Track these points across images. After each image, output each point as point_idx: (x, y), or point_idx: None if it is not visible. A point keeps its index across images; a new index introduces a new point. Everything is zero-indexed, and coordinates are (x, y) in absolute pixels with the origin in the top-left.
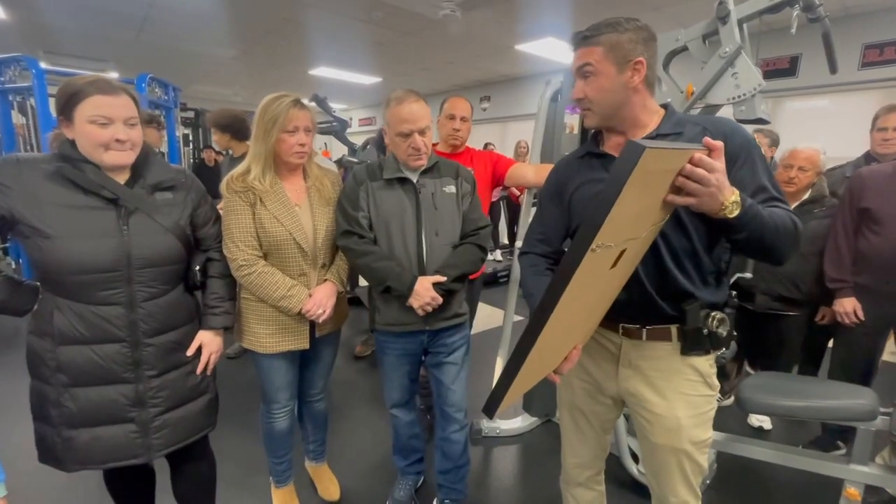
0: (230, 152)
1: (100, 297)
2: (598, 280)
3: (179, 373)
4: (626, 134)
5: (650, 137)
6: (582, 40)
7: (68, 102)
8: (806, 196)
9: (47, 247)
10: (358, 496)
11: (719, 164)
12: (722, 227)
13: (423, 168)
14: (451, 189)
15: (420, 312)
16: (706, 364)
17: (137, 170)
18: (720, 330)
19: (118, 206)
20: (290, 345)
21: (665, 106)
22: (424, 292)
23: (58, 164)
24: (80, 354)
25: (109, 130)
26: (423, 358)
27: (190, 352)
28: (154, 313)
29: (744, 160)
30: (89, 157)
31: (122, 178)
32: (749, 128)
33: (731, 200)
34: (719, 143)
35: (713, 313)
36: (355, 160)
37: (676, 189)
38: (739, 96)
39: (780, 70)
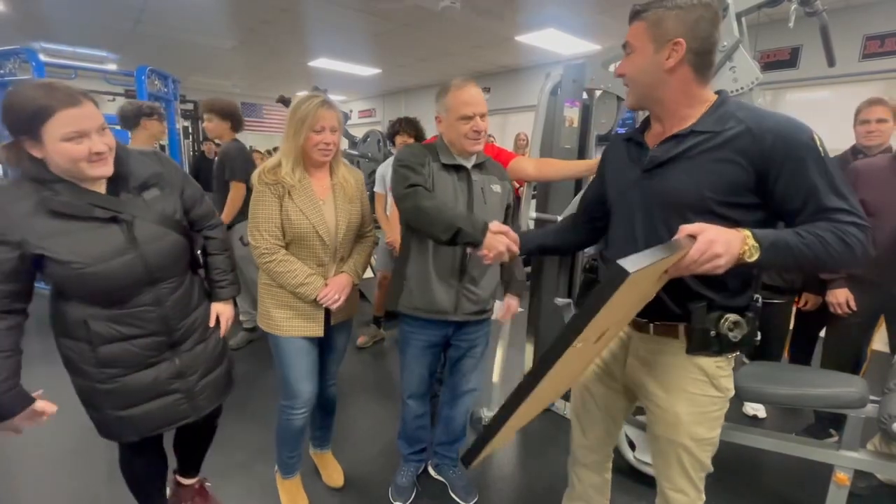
0: (217, 142)
1: (131, 303)
2: (582, 353)
3: (206, 344)
4: (663, 123)
5: (682, 134)
6: (632, 15)
7: (33, 119)
8: None
9: (74, 275)
10: (361, 483)
11: (711, 247)
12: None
13: (477, 155)
14: (497, 188)
15: (489, 261)
16: (713, 365)
17: (116, 173)
18: (733, 333)
19: (118, 220)
20: (305, 330)
21: (719, 93)
22: (498, 242)
23: (37, 195)
24: (121, 349)
25: (85, 144)
26: (444, 351)
27: (211, 323)
28: (178, 304)
29: (777, 174)
30: (67, 173)
31: (100, 187)
32: None
33: (746, 248)
34: (694, 228)
35: (727, 315)
36: (356, 153)
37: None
38: (737, 90)
39: (781, 62)
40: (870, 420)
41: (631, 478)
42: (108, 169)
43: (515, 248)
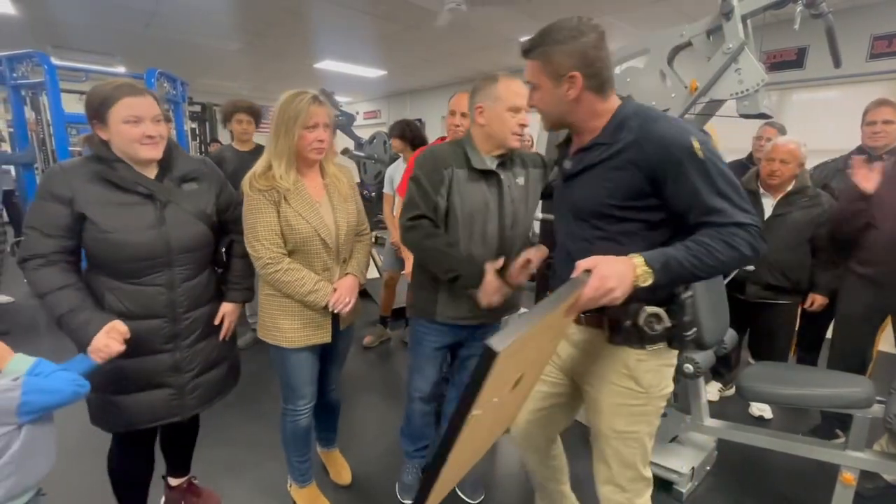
0: (232, 145)
1: (145, 280)
2: (503, 402)
3: (208, 342)
4: (580, 137)
5: (586, 148)
6: (523, 53)
7: (101, 106)
8: (790, 188)
9: (102, 239)
10: (368, 480)
11: (604, 283)
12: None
13: (507, 154)
14: (521, 181)
15: (484, 305)
16: (633, 358)
17: (165, 163)
18: (652, 326)
19: (154, 200)
20: (314, 338)
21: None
22: (491, 289)
23: (96, 167)
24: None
25: (140, 128)
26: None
27: (217, 321)
28: (189, 293)
29: (663, 179)
30: (125, 153)
31: (151, 173)
32: (757, 120)
33: (638, 274)
34: (588, 262)
35: (646, 308)
36: (362, 154)
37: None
38: (743, 91)
39: (787, 62)
40: (876, 420)
41: None
42: (157, 152)
43: (509, 291)
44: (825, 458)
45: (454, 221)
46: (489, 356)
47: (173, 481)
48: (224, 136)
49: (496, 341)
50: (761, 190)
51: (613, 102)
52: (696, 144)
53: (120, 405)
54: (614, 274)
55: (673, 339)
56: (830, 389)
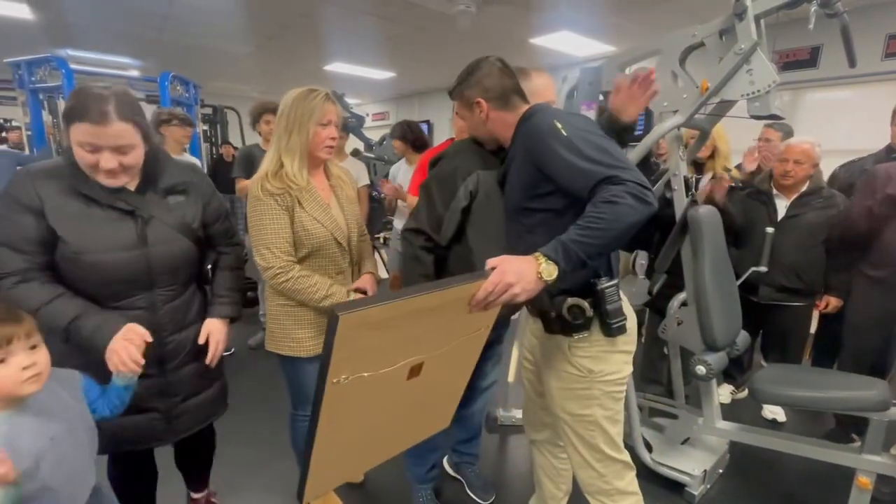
0: (259, 144)
1: (124, 303)
2: (394, 394)
3: (196, 364)
4: (506, 145)
5: (506, 154)
6: (450, 96)
7: (65, 118)
8: (804, 188)
9: (73, 259)
10: (380, 479)
11: (503, 278)
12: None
13: None
14: None
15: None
16: (566, 344)
17: (148, 174)
18: (572, 315)
19: (135, 216)
20: None
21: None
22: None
23: (68, 177)
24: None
25: (95, 157)
26: None
27: (201, 340)
28: (173, 315)
29: (543, 163)
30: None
31: (132, 184)
32: (760, 122)
33: (541, 269)
34: (495, 260)
35: (568, 299)
36: (372, 156)
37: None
38: (754, 92)
39: (801, 61)
40: (893, 424)
41: (647, 479)
42: (116, 182)
43: None
44: (841, 462)
45: (484, 226)
46: (332, 319)
47: (193, 494)
48: (234, 138)
49: (343, 307)
50: (775, 191)
51: (521, 111)
52: (557, 125)
53: (103, 428)
54: (513, 270)
55: (602, 327)
56: (845, 392)
